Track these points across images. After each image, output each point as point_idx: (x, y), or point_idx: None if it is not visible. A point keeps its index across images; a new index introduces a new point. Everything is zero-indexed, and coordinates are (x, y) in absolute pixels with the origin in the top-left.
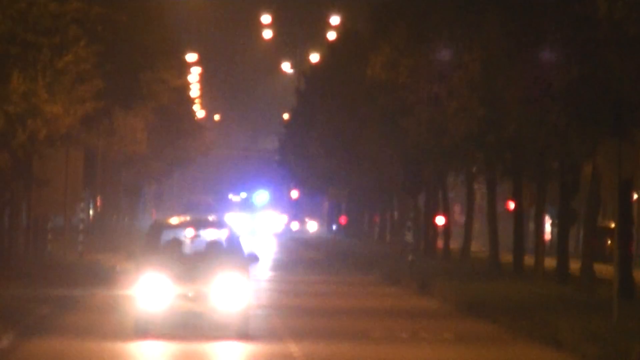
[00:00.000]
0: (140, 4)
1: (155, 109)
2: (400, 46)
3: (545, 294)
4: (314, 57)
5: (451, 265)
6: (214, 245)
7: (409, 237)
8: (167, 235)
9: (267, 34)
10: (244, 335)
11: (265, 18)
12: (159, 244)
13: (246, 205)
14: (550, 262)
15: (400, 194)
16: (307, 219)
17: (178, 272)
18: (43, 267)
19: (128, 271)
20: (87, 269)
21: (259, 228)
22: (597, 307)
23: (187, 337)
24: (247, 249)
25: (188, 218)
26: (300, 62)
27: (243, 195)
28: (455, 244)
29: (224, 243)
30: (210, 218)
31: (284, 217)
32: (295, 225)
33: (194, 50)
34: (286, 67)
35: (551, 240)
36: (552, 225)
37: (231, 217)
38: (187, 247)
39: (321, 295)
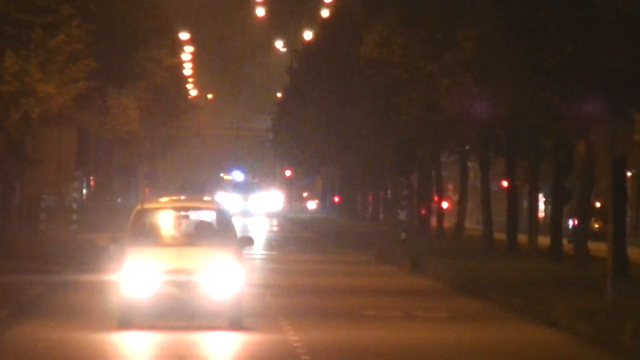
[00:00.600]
0: None
1: (148, 88)
2: (393, 24)
3: (539, 272)
4: (307, 35)
5: (445, 244)
6: (203, 227)
7: (402, 215)
8: (153, 218)
9: (260, 12)
10: (237, 324)
11: None
12: (144, 228)
13: (240, 185)
14: (544, 240)
15: (394, 173)
16: (305, 196)
17: (165, 256)
18: (36, 246)
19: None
20: (80, 248)
21: (253, 208)
22: (591, 285)
23: (174, 327)
24: (240, 230)
25: (175, 199)
26: (293, 41)
27: (236, 175)
28: (448, 223)
29: (215, 224)
30: (204, 199)
31: (279, 196)
32: (291, 204)
33: (186, 29)
34: (279, 45)
35: (545, 218)
36: (546, 203)
37: (224, 197)
38: (175, 230)
39: (314, 274)
